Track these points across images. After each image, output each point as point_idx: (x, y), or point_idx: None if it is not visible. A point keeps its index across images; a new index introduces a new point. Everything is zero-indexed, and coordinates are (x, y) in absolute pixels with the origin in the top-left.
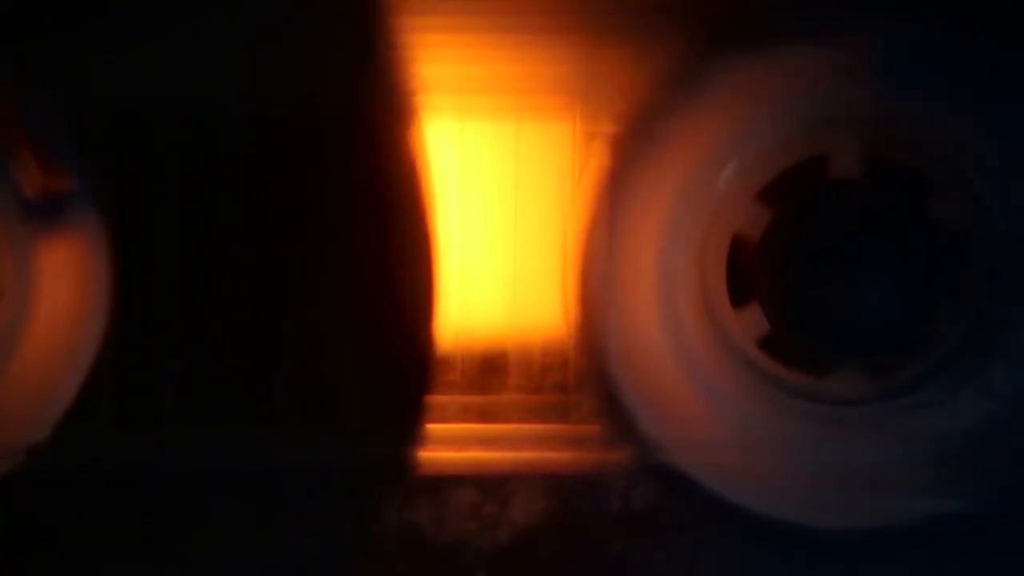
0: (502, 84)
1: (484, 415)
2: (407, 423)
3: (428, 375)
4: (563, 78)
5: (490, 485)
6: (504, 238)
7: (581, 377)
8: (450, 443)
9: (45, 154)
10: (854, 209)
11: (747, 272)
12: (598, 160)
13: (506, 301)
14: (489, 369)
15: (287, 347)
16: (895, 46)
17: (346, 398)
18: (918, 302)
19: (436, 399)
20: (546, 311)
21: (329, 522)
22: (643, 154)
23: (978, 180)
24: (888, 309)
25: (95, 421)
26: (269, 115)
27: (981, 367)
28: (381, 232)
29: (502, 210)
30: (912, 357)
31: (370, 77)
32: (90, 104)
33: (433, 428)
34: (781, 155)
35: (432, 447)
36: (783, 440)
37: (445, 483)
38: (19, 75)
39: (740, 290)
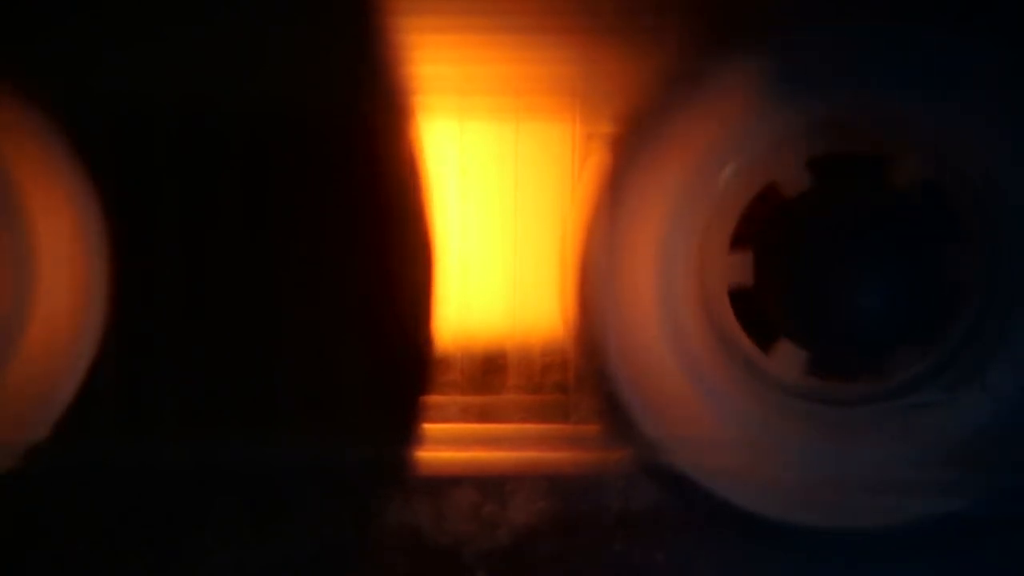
0: (502, 84)
1: (484, 415)
2: (407, 423)
3: (428, 375)
4: (563, 78)
5: (490, 485)
6: (504, 238)
7: (581, 377)
8: (450, 443)
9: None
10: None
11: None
12: (598, 160)
13: (506, 301)
14: (489, 369)
15: (287, 347)
16: (896, 45)
17: (346, 398)
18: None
19: (436, 399)
20: (546, 311)
21: (329, 522)
22: (643, 154)
23: (977, 178)
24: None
25: (95, 421)
26: (269, 115)
27: (981, 367)
28: (381, 232)
29: (502, 210)
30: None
31: (370, 77)
32: (90, 102)
33: (433, 428)
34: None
35: (432, 447)
36: (783, 440)
37: (444, 483)
38: (18, 72)
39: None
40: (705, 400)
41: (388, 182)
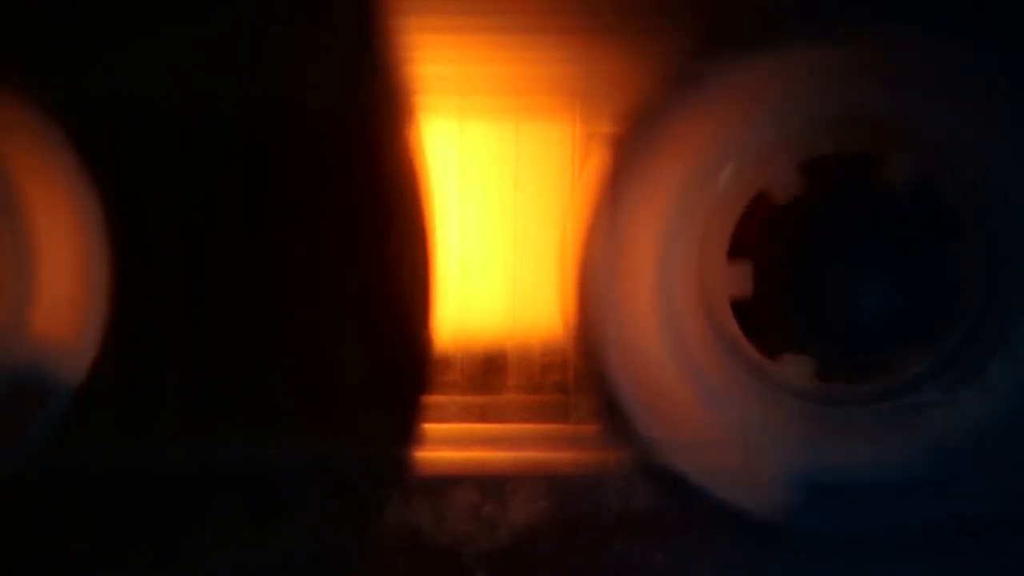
0: (502, 84)
1: (484, 415)
2: (406, 423)
3: (428, 375)
4: (563, 78)
5: (490, 485)
6: (503, 238)
7: (580, 377)
8: (450, 443)
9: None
10: (861, 212)
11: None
12: (597, 160)
13: (505, 301)
14: (489, 369)
15: (287, 347)
16: (897, 45)
17: (346, 398)
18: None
19: (436, 399)
20: (545, 311)
21: (329, 522)
22: (643, 154)
23: (977, 179)
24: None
25: (95, 421)
26: (269, 115)
27: (981, 366)
28: (380, 232)
29: (502, 210)
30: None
31: (370, 77)
32: (90, 102)
33: (433, 428)
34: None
35: (432, 447)
36: (782, 441)
37: (445, 483)
38: (18, 72)
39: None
40: (704, 400)
41: (388, 182)
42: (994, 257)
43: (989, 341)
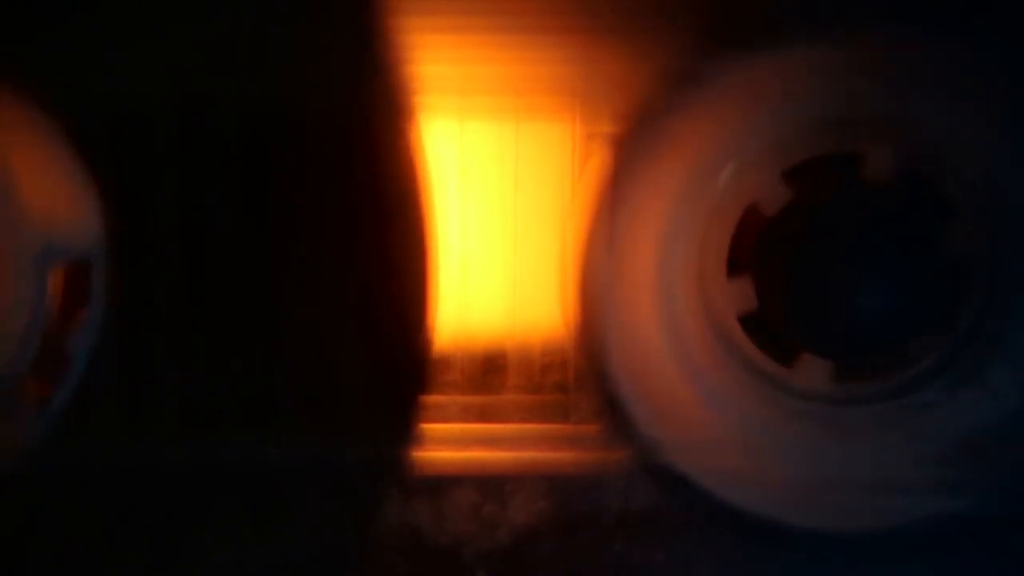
0: (502, 84)
1: (484, 415)
2: (406, 423)
3: (427, 375)
4: (563, 78)
5: (490, 485)
6: (504, 238)
7: (581, 377)
8: (449, 443)
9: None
10: (859, 211)
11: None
12: (598, 160)
13: (505, 301)
14: (488, 369)
15: (287, 347)
16: (897, 45)
17: (345, 398)
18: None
19: (436, 399)
20: (545, 311)
21: (329, 522)
22: (643, 154)
23: (977, 179)
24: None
25: (95, 421)
26: (269, 115)
27: (981, 366)
28: (380, 232)
29: (502, 210)
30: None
31: (370, 77)
32: (90, 102)
33: (432, 428)
34: (781, 154)
35: (431, 447)
36: (782, 441)
37: (444, 483)
38: (18, 72)
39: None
40: (705, 400)
41: (388, 182)
42: (994, 257)
43: (989, 341)
